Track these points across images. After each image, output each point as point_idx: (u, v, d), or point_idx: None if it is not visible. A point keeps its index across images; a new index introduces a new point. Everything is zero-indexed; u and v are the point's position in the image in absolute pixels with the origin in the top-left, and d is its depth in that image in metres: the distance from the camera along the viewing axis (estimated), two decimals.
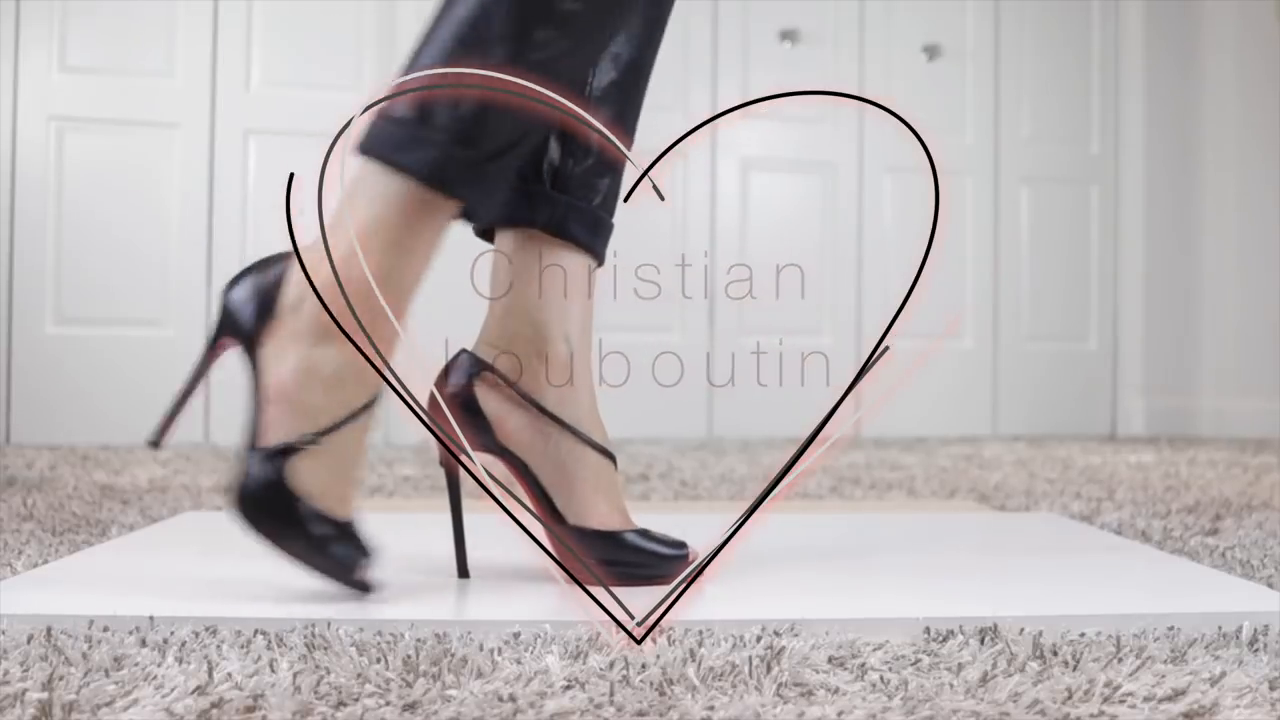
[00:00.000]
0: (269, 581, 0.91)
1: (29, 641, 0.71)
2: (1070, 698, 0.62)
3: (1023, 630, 0.75)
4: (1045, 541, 1.20)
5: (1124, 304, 3.55)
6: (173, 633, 0.73)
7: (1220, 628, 0.78)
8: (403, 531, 1.25)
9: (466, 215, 0.90)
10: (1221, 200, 3.50)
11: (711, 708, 0.60)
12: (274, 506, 0.82)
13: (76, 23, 2.81)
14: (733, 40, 3.26)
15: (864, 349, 3.36)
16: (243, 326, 0.85)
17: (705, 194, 3.25)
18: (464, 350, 0.98)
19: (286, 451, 0.82)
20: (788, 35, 3.29)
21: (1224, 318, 3.49)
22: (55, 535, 1.20)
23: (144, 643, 0.71)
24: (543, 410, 0.95)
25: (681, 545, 0.95)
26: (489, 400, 0.95)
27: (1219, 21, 3.49)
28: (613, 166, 1.01)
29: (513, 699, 0.60)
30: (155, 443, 0.87)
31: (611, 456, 0.97)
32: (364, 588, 0.84)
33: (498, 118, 0.85)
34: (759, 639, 0.73)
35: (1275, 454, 2.61)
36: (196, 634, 0.73)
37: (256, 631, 0.74)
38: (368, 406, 0.86)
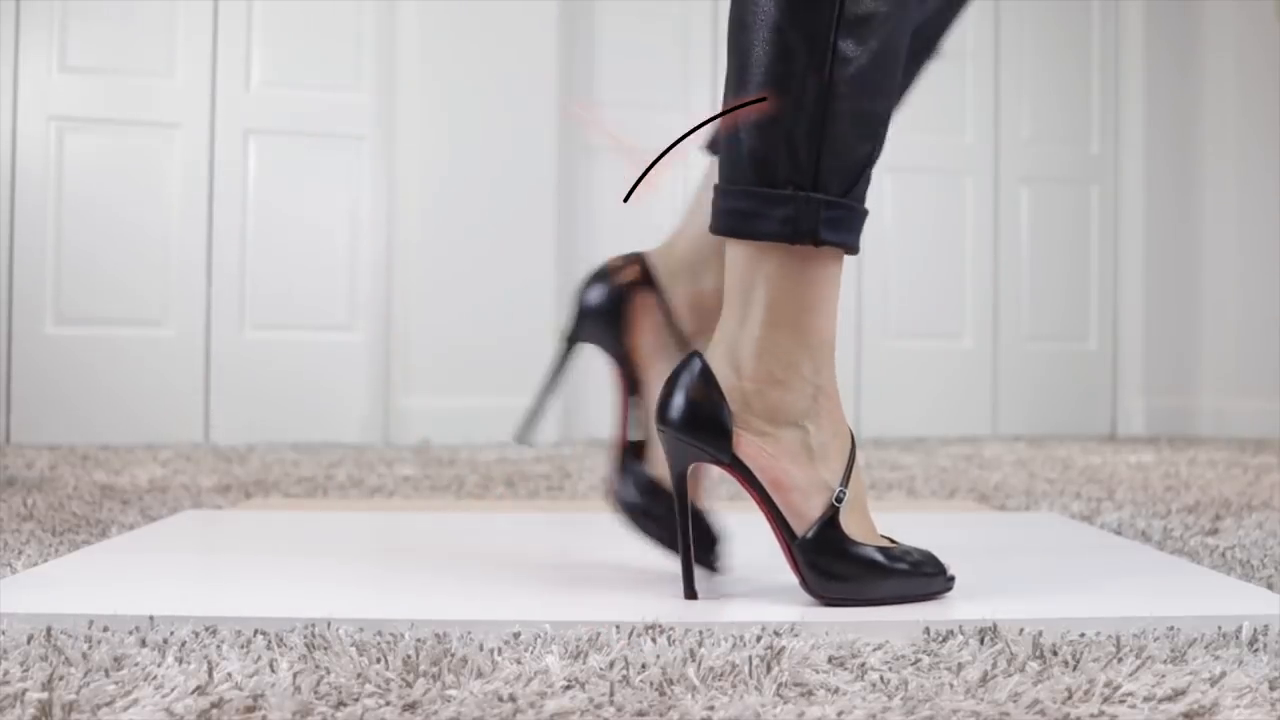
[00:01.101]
0: (269, 581, 0.91)
1: (29, 641, 0.71)
2: (1070, 698, 0.62)
3: (1023, 630, 0.75)
4: (1045, 541, 1.20)
5: (1124, 304, 3.55)
6: (173, 633, 0.73)
7: (1220, 628, 0.78)
8: (404, 531, 1.25)
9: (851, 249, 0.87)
10: (1221, 200, 3.50)
11: (711, 708, 0.60)
12: (856, 569, 0.84)
13: (76, 23, 2.81)
14: None
15: (864, 348, 3.36)
16: (718, 448, 0.84)
17: None
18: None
19: (833, 521, 0.83)
20: None
21: (1224, 318, 3.49)
22: (55, 535, 1.20)
23: (144, 643, 0.71)
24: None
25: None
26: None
27: (1219, 21, 3.49)
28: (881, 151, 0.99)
29: (513, 699, 0.60)
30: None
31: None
32: (950, 583, 0.86)
33: (838, 147, 0.82)
34: (759, 639, 0.73)
35: (1275, 454, 2.61)
36: (196, 634, 0.73)
37: (256, 631, 0.74)
38: (853, 450, 0.87)
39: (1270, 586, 0.98)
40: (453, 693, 0.61)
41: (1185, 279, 3.55)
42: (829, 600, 0.83)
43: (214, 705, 0.59)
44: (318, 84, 2.94)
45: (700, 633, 0.75)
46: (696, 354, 0.86)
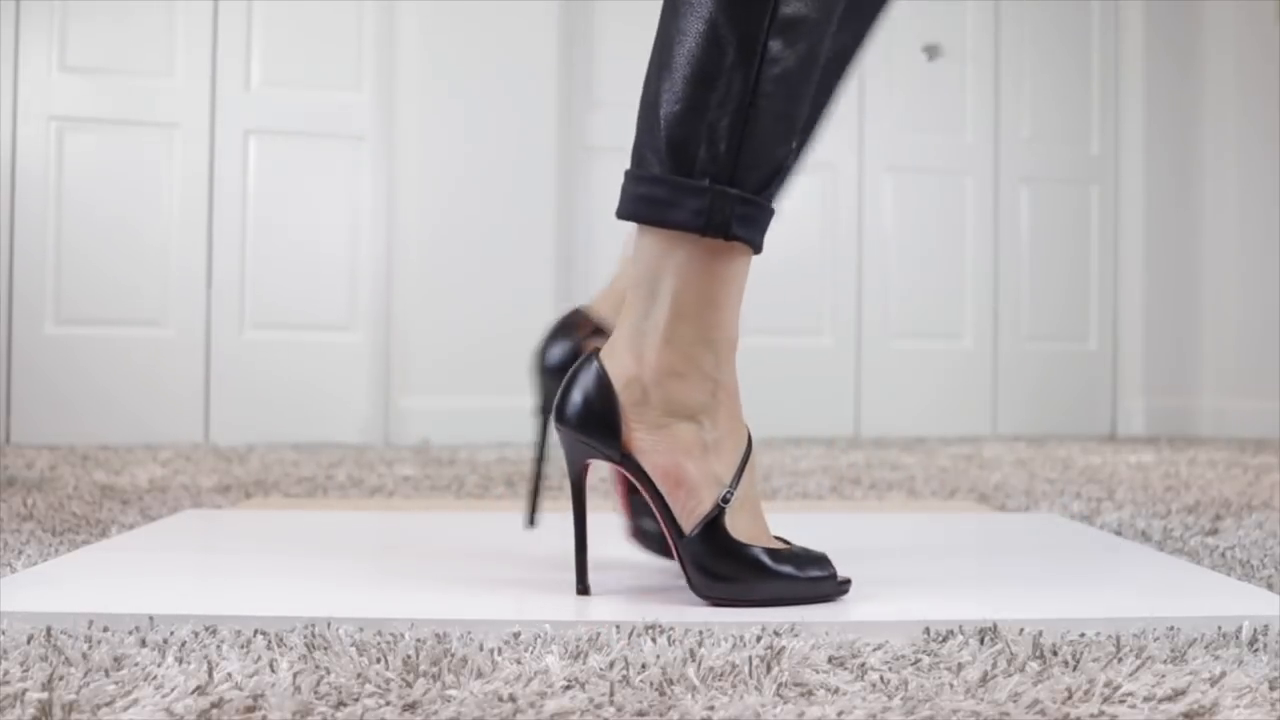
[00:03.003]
0: (269, 581, 0.91)
1: (29, 641, 0.71)
2: (1070, 698, 0.62)
3: (1023, 630, 0.75)
4: (1045, 541, 1.20)
5: (1124, 304, 3.55)
6: (173, 633, 0.73)
7: (1220, 628, 0.78)
8: (404, 531, 1.25)
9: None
10: (1221, 200, 3.50)
11: (711, 708, 0.60)
12: (740, 569, 0.83)
13: (76, 23, 2.81)
14: None
15: (864, 349, 3.36)
16: (607, 444, 0.85)
17: None
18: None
19: (718, 520, 0.83)
20: None
21: (1224, 318, 3.49)
22: (55, 535, 1.20)
23: (144, 643, 0.71)
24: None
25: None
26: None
27: (1219, 21, 3.49)
28: (799, 158, 0.99)
29: (513, 699, 0.60)
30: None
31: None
32: (842, 587, 0.86)
33: (757, 144, 0.83)
34: (759, 639, 0.73)
35: (1275, 454, 2.61)
36: (196, 634, 0.73)
37: (256, 631, 0.74)
38: (749, 446, 0.87)
39: (1270, 586, 0.98)
40: (453, 693, 0.61)
41: (1185, 279, 3.55)
42: (713, 600, 0.83)
43: (214, 705, 0.59)
44: (318, 84, 2.94)
45: (700, 633, 0.75)
46: (595, 353, 0.86)
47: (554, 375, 0.96)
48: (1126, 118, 3.55)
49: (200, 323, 2.87)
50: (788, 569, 0.84)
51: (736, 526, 0.84)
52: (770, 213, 0.86)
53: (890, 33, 3.39)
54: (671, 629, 0.75)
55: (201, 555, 1.09)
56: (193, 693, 0.60)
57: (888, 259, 3.39)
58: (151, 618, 0.76)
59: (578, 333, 0.98)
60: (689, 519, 0.83)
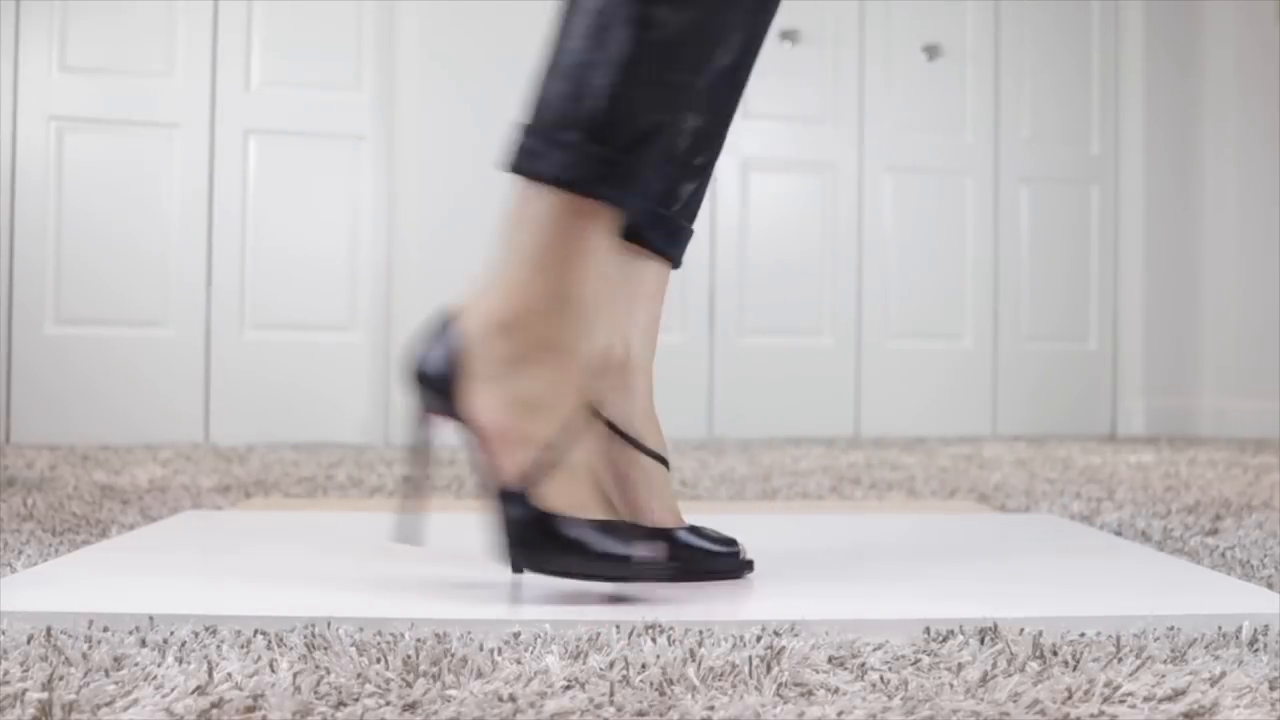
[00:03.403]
0: (269, 581, 0.91)
1: (29, 641, 0.71)
2: (1070, 698, 0.62)
3: (1023, 630, 0.75)
4: (1045, 542, 1.20)
5: (1124, 304, 3.55)
6: (173, 633, 0.73)
7: (1220, 628, 0.78)
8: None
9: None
10: (1221, 200, 3.50)
11: (711, 708, 0.60)
12: (545, 537, 0.82)
13: (76, 23, 2.81)
14: None
15: (864, 349, 3.36)
16: (440, 392, 0.85)
17: (705, 194, 3.24)
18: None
19: (526, 483, 0.82)
20: (788, 35, 3.29)
21: (1224, 318, 3.49)
22: (55, 535, 1.20)
23: (144, 643, 0.71)
24: (595, 413, 0.94)
25: (733, 542, 0.96)
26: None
27: (1219, 21, 3.49)
28: (699, 173, 1.00)
29: (513, 699, 0.60)
30: (408, 541, 0.89)
31: (664, 460, 0.97)
32: (664, 570, 0.84)
33: (629, 105, 0.83)
34: (759, 639, 0.73)
35: (1275, 454, 2.61)
36: (196, 634, 0.73)
37: (256, 631, 0.74)
38: (585, 413, 0.86)
39: (1270, 586, 0.98)
40: (453, 693, 0.61)
41: (1185, 279, 3.55)
42: (513, 566, 0.82)
43: (214, 705, 0.59)
44: (318, 84, 2.94)
45: (700, 633, 0.75)
46: (448, 308, 0.87)
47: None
48: (1126, 118, 3.55)
49: (200, 323, 2.87)
50: (597, 541, 0.82)
51: (553, 492, 0.82)
52: (645, 179, 0.86)
53: (890, 33, 3.39)
54: (671, 629, 0.75)
55: (201, 555, 1.09)
56: (193, 693, 0.60)
57: (888, 259, 3.39)
58: (151, 618, 0.76)
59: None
60: (501, 476, 0.83)
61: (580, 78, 0.83)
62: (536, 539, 0.82)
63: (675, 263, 1.00)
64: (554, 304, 0.84)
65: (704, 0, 0.84)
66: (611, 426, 0.95)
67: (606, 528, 0.83)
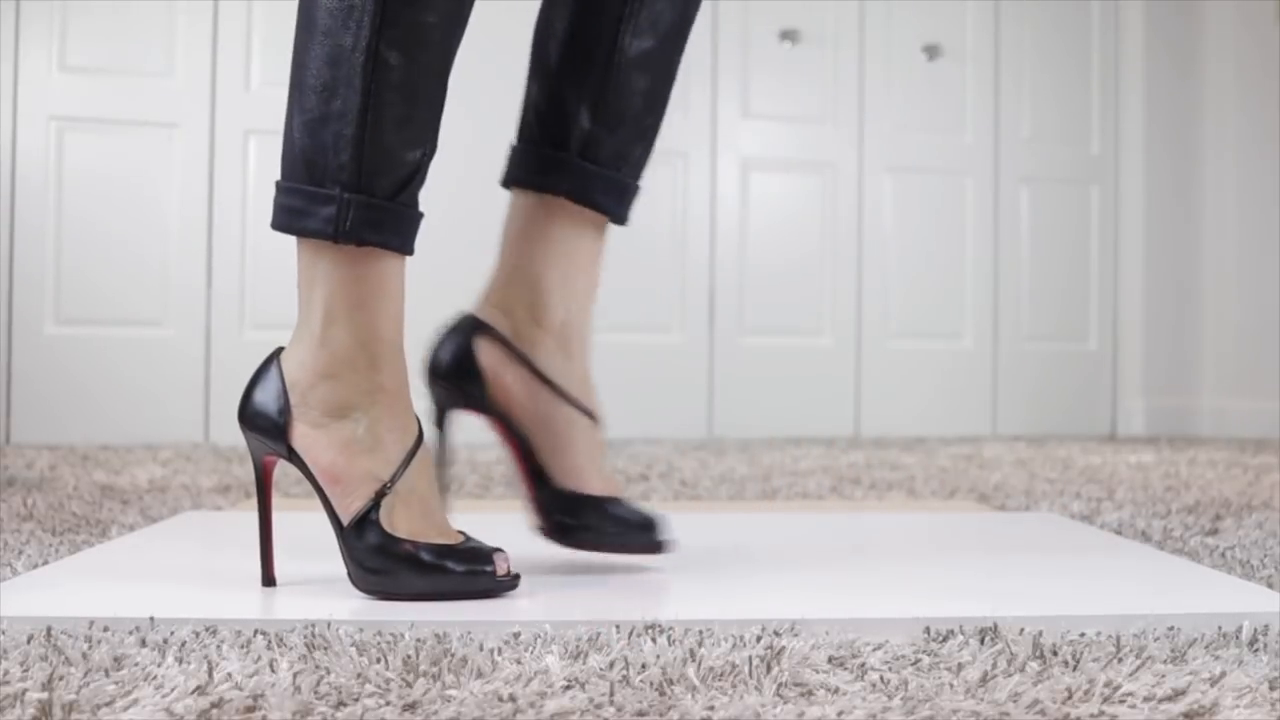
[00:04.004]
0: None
1: (29, 641, 0.71)
2: (1070, 698, 0.62)
3: (1023, 630, 0.75)
4: (1045, 541, 1.20)
5: (1124, 304, 3.55)
6: (173, 633, 0.73)
7: (1220, 628, 0.78)
8: None
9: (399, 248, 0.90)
10: (1221, 200, 3.50)
11: (711, 708, 0.60)
12: (391, 563, 0.84)
13: (76, 23, 2.81)
14: (733, 40, 3.26)
15: (864, 349, 3.36)
16: (275, 440, 0.88)
17: (705, 194, 3.25)
18: (464, 312, 0.99)
19: (372, 514, 0.85)
20: (788, 35, 3.29)
21: (1224, 318, 3.49)
22: (55, 535, 1.20)
23: (144, 643, 0.71)
24: (535, 371, 0.96)
25: (652, 518, 0.99)
26: (486, 356, 0.97)
27: (1219, 21, 3.49)
28: (645, 135, 1.01)
29: (513, 699, 0.60)
30: (268, 581, 0.92)
31: (597, 420, 0.99)
32: (507, 584, 0.86)
33: (381, 151, 0.85)
34: (759, 639, 0.73)
35: (1275, 454, 2.61)
36: (196, 634, 0.73)
37: (256, 631, 0.74)
38: (417, 444, 0.89)
39: (1270, 586, 0.98)
40: (453, 693, 0.61)
41: (1185, 279, 3.55)
42: (367, 592, 0.85)
43: (214, 705, 0.59)
44: None
45: (700, 633, 0.75)
46: (276, 353, 0.91)
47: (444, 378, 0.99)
48: (1126, 118, 3.55)
49: (200, 323, 2.87)
50: (447, 564, 0.85)
51: (396, 522, 0.85)
52: (413, 216, 0.89)
53: (890, 33, 3.39)
54: (671, 629, 0.75)
55: (201, 556, 1.09)
56: (193, 693, 0.60)
57: (888, 259, 3.38)
58: (151, 618, 0.76)
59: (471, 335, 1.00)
60: (346, 514, 0.85)
61: (325, 130, 0.85)
62: (384, 566, 0.85)
63: (622, 220, 1.02)
64: (360, 349, 0.88)
65: (431, 33, 0.87)
66: (550, 385, 0.96)
67: (436, 550, 0.85)
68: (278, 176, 0.88)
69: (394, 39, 0.85)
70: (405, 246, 0.89)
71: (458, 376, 0.97)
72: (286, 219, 0.87)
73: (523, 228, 0.99)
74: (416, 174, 0.88)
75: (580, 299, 0.99)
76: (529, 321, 0.97)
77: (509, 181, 1.01)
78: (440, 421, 0.99)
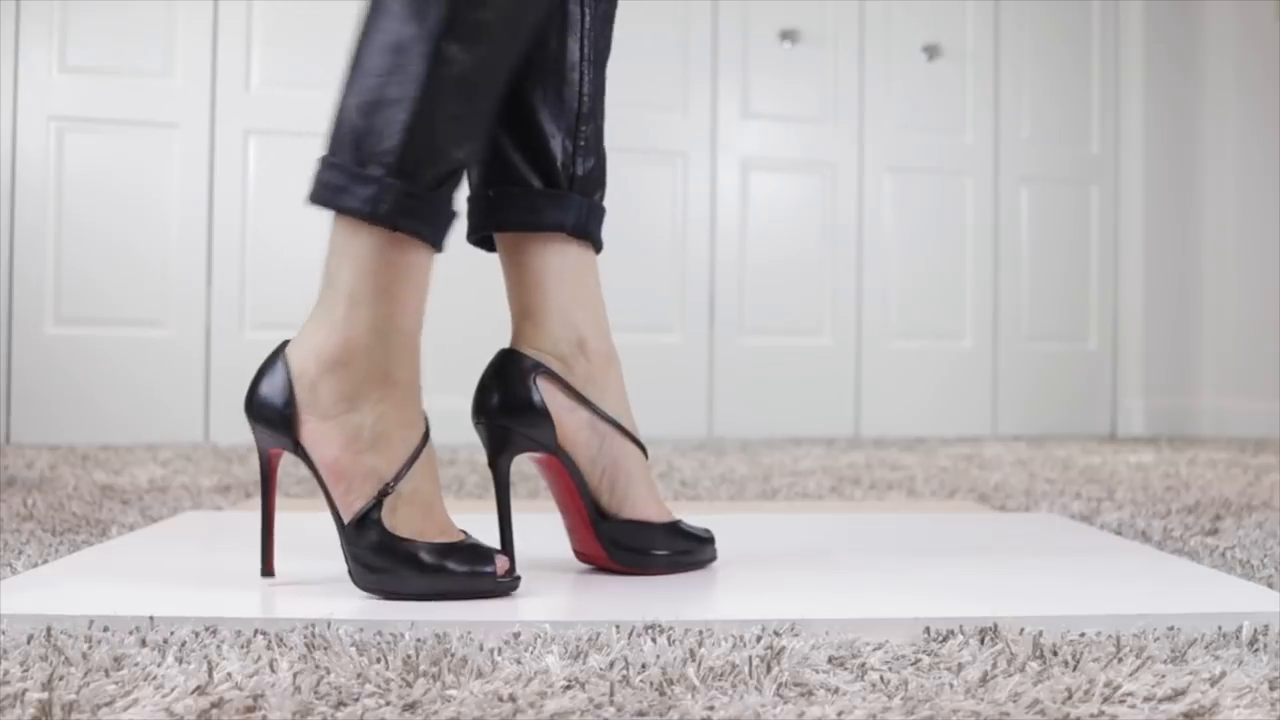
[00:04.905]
0: (269, 582, 0.91)
1: (29, 641, 0.71)
2: (1070, 698, 0.62)
3: (1023, 630, 0.75)
4: (1045, 541, 1.20)
5: (1124, 304, 3.55)
6: (173, 633, 0.73)
7: (1220, 628, 0.78)
8: None
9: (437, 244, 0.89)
10: (1221, 200, 3.50)
11: (711, 708, 0.60)
12: (392, 562, 0.84)
13: (76, 23, 2.81)
14: (733, 40, 3.26)
15: (864, 349, 3.36)
16: (280, 433, 0.87)
17: (705, 194, 3.25)
18: (512, 350, 0.96)
19: (374, 512, 0.85)
20: (788, 35, 3.29)
21: (1224, 318, 3.49)
22: (55, 535, 1.20)
23: (144, 643, 0.71)
24: (595, 410, 0.96)
25: (708, 532, 1.01)
26: (553, 400, 0.95)
27: (1219, 21, 3.49)
28: (603, 159, 1.03)
29: (513, 699, 0.60)
30: (266, 572, 0.92)
31: (644, 449, 1.00)
32: (508, 584, 0.86)
33: (429, 141, 0.86)
34: (759, 639, 0.73)
35: (1275, 454, 2.61)
36: (196, 634, 0.73)
37: (256, 631, 0.74)
38: (423, 442, 0.88)
39: (1270, 586, 0.98)
40: (453, 693, 0.61)
41: (1185, 279, 3.55)
42: (368, 591, 0.85)
43: (214, 705, 0.59)
44: (318, 84, 2.93)
45: (700, 633, 0.75)
46: (283, 345, 0.90)
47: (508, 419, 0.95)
48: (1126, 117, 3.55)
49: (200, 323, 2.87)
50: (448, 563, 0.85)
51: (398, 520, 0.85)
52: (448, 214, 0.89)
53: (890, 33, 3.39)
54: (671, 629, 0.75)
55: (201, 556, 1.09)
56: (193, 693, 0.60)
57: (888, 259, 3.38)
58: (151, 618, 0.76)
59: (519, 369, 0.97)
60: (347, 511, 0.85)
61: (378, 114, 0.85)
62: (385, 564, 0.84)
63: (599, 246, 1.02)
64: (378, 338, 0.87)
65: (492, 33, 0.87)
66: (611, 422, 0.96)
67: (438, 549, 0.85)
68: (323, 152, 0.88)
69: (457, 34, 0.85)
70: (437, 240, 0.88)
71: (524, 420, 0.94)
72: (325, 194, 0.87)
73: (542, 268, 0.98)
74: (457, 172, 0.88)
75: (604, 325, 0.99)
76: (575, 358, 0.96)
77: (499, 227, 0.99)
78: (498, 464, 0.95)
